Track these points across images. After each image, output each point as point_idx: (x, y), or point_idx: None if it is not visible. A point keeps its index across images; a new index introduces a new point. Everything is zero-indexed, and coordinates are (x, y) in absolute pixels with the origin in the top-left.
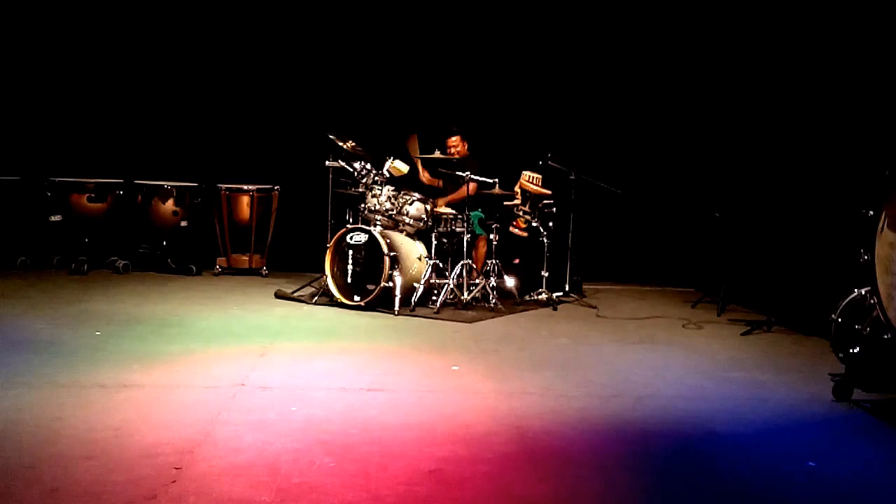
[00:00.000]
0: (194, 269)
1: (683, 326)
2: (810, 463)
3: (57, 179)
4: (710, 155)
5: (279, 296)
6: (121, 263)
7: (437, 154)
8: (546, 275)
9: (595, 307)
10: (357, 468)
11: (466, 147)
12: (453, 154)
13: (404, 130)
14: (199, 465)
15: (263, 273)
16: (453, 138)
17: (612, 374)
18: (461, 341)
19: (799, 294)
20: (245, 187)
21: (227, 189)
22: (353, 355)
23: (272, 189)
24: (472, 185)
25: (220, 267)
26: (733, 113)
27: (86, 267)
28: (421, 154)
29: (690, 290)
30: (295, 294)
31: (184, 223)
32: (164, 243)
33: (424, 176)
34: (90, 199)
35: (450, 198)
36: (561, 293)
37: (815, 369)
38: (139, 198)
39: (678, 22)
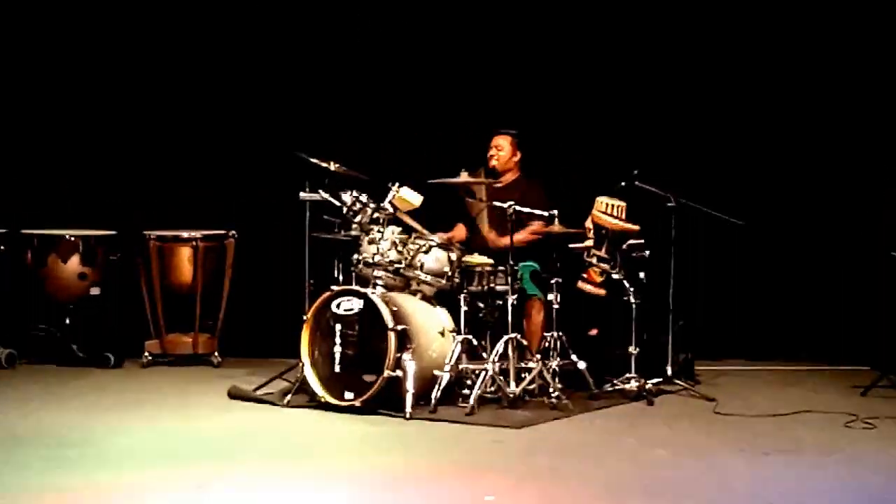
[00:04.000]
0: (112, 358)
1: (847, 426)
2: None
3: None
4: (883, 166)
5: (235, 395)
6: (3, 353)
7: (464, 175)
8: (636, 352)
9: (713, 400)
10: None
11: (518, 159)
12: (498, 162)
13: (416, 142)
14: None
15: (215, 361)
16: (501, 139)
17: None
18: (504, 457)
19: None
20: (185, 234)
21: (157, 238)
22: (342, 486)
23: (225, 235)
24: (535, 224)
25: (151, 354)
26: None
27: None
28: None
29: (862, 370)
30: (258, 392)
31: (95, 290)
32: (68, 321)
33: (490, 234)
34: None
35: (495, 239)
36: (660, 379)
37: None
38: (29, 255)
39: None
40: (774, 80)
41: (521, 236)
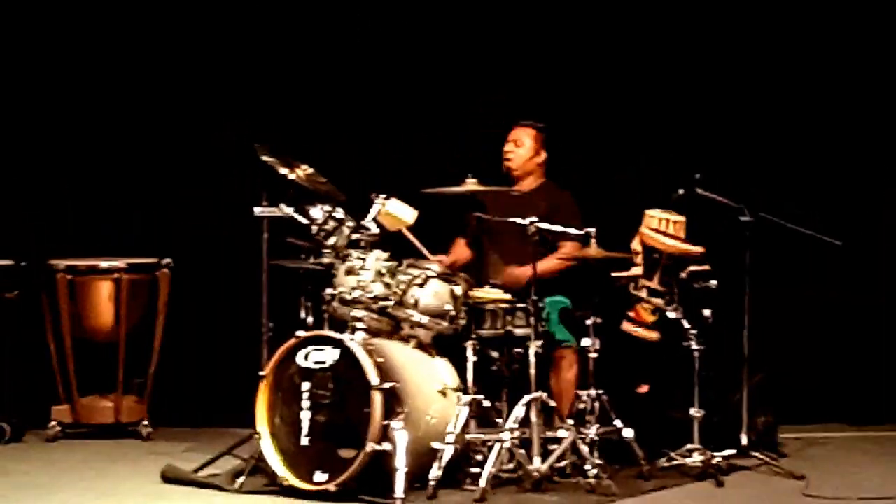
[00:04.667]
0: (7, 429)
1: None
2: None
3: None
4: None
5: (171, 478)
6: None
7: (472, 182)
8: (700, 416)
9: (801, 477)
10: None
11: (543, 159)
12: (514, 160)
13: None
14: None
15: (144, 432)
16: (522, 132)
17: None
18: None
19: None
20: (104, 264)
21: (67, 270)
22: None
23: (157, 265)
24: (569, 246)
25: (59, 423)
26: None
27: None
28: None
29: None
30: (201, 474)
31: None
32: None
33: (508, 268)
34: None
35: (510, 272)
36: (732, 452)
37: None
38: None
39: None
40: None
41: (547, 264)
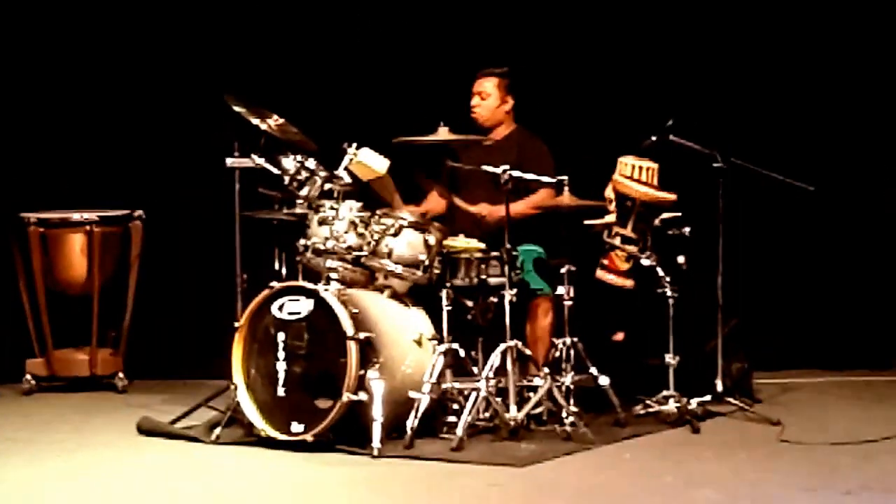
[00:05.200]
0: None
1: None
2: None
3: None
4: None
5: (147, 430)
6: None
7: (444, 131)
8: (675, 363)
9: (777, 423)
10: None
11: (511, 105)
12: (480, 114)
13: (378, 91)
14: None
15: (119, 385)
16: (486, 81)
17: None
18: None
19: None
20: (76, 216)
21: (39, 222)
22: None
23: (129, 217)
24: (542, 193)
25: (34, 376)
26: None
27: None
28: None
29: None
30: (177, 426)
31: None
32: None
33: (480, 209)
34: None
35: (483, 211)
36: (707, 398)
37: None
38: None
39: None
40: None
41: (519, 208)
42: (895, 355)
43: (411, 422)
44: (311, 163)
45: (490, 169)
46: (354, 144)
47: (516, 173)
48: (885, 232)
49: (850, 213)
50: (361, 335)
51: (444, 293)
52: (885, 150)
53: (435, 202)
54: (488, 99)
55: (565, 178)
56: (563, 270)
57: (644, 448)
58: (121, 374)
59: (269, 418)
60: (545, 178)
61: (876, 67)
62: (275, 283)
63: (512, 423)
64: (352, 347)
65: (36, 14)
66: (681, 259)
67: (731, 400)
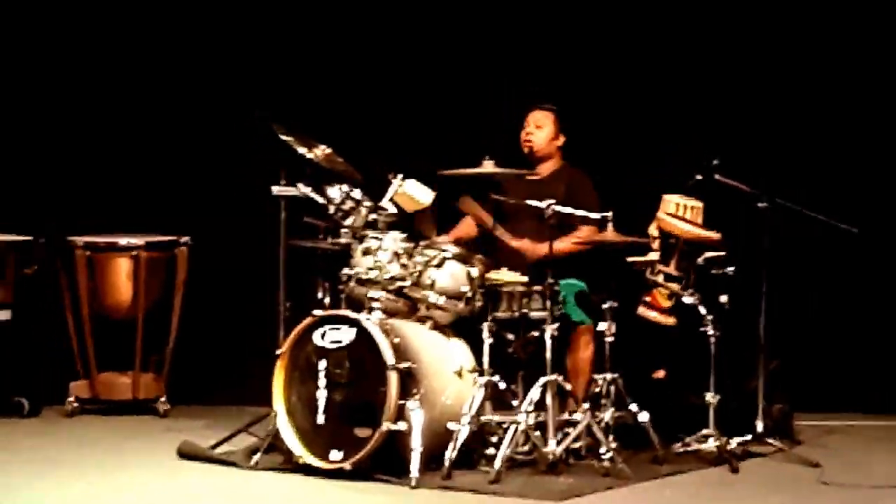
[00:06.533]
0: (26, 404)
1: None
2: None
3: None
4: None
5: (188, 454)
6: None
7: (489, 164)
8: (716, 401)
9: (817, 465)
10: None
11: (562, 142)
12: (536, 143)
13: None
14: None
15: (161, 409)
16: (538, 113)
17: None
18: None
19: None
20: (123, 241)
21: (86, 246)
22: None
23: (175, 243)
24: (586, 230)
25: (77, 399)
26: None
27: None
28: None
29: None
30: (217, 451)
31: (4, 314)
32: None
33: (523, 243)
34: None
35: (525, 246)
36: (747, 438)
37: None
38: None
39: None
40: None
41: (563, 245)
42: None
43: (450, 453)
44: (356, 193)
45: (535, 203)
46: (400, 175)
47: (560, 209)
48: None
49: (894, 257)
50: (402, 365)
51: (485, 326)
52: None
53: (467, 228)
54: (542, 130)
55: (610, 213)
56: (605, 306)
57: (682, 486)
58: (163, 399)
59: (308, 445)
60: (590, 215)
61: None
62: (317, 312)
63: (550, 457)
64: (392, 377)
65: (89, 45)
66: (723, 298)
67: (771, 441)
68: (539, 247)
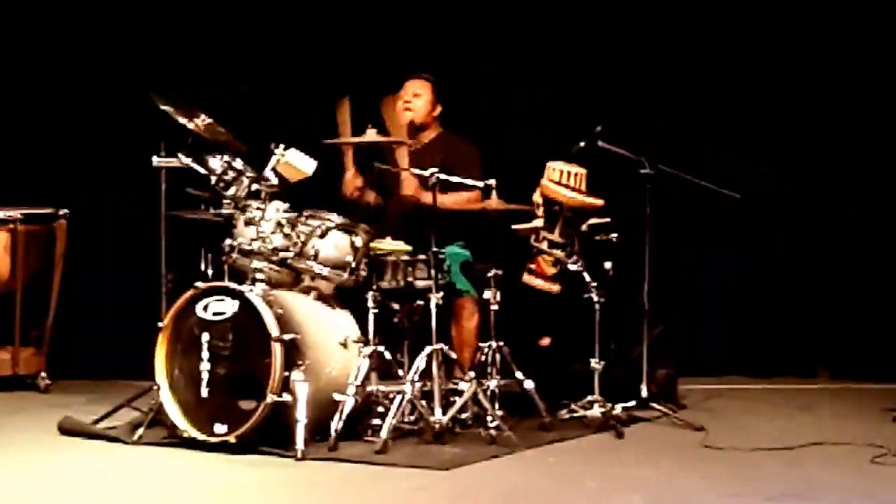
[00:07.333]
0: None
1: (875, 461)
2: None
3: None
4: None
5: (69, 430)
6: None
7: (372, 133)
8: (601, 367)
9: (701, 428)
10: None
11: (439, 111)
12: (416, 111)
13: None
14: None
15: (41, 384)
16: (416, 82)
17: None
18: None
19: None
20: None
21: None
22: None
23: (53, 216)
24: (470, 195)
25: None
26: None
27: None
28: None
29: None
30: (99, 426)
31: None
32: None
33: (352, 183)
34: None
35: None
36: (632, 403)
37: None
38: None
39: None
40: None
41: (448, 201)
42: (821, 363)
43: (336, 424)
44: (238, 163)
45: (418, 171)
46: (282, 145)
47: (444, 176)
48: (814, 240)
49: (776, 219)
50: (286, 336)
51: (370, 295)
52: (808, 156)
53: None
54: (420, 99)
55: (493, 181)
56: (489, 274)
57: (568, 452)
58: (43, 374)
59: (192, 419)
60: (473, 182)
61: (804, 67)
62: (200, 284)
63: (437, 426)
64: (276, 349)
65: None
66: (608, 265)
67: (655, 406)
68: (424, 193)
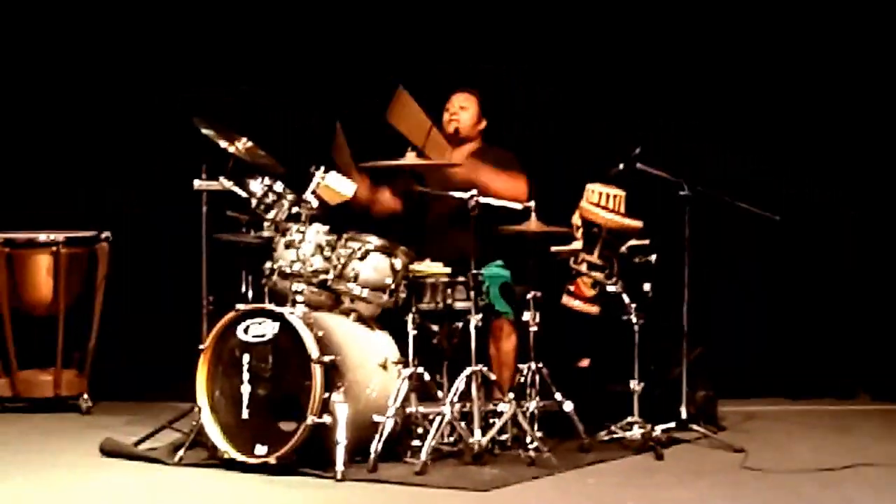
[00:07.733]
0: None
1: None
2: None
3: None
4: None
5: (111, 451)
6: None
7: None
8: (640, 389)
9: (741, 450)
10: None
11: (484, 123)
12: (463, 123)
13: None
14: None
15: (83, 406)
16: (462, 95)
17: None
18: None
19: None
20: (42, 237)
21: (4, 243)
22: None
23: (96, 238)
24: (517, 184)
25: None
26: None
27: None
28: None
29: None
30: (141, 447)
31: None
32: None
33: (383, 196)
34: None
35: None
36: (671, 425)
37: None
38: None
39: None
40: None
41: (501, 183)
42: (860, 385)
43: (375, 445)
44: (278, 186)
45: (458, 194)
46: (322, 168)
47: (483, 199)
48: (845, 259)
49: (814, 240)
50: (326, 358)
51: (409, 317)
52: (847, 178)
53: (387, 201)
54: (467, 112)
55: (532, 204)
56: (528, 296)
57: (607, 474)
58: (85, 396)
59: (232, 440)
60: (513, 205)
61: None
62: (240, 306)
63: (476, 447)
64: (316, 370)
65: (7, 37)
66: (647, 286)
67: (695, 427)
68: (478, 170)
